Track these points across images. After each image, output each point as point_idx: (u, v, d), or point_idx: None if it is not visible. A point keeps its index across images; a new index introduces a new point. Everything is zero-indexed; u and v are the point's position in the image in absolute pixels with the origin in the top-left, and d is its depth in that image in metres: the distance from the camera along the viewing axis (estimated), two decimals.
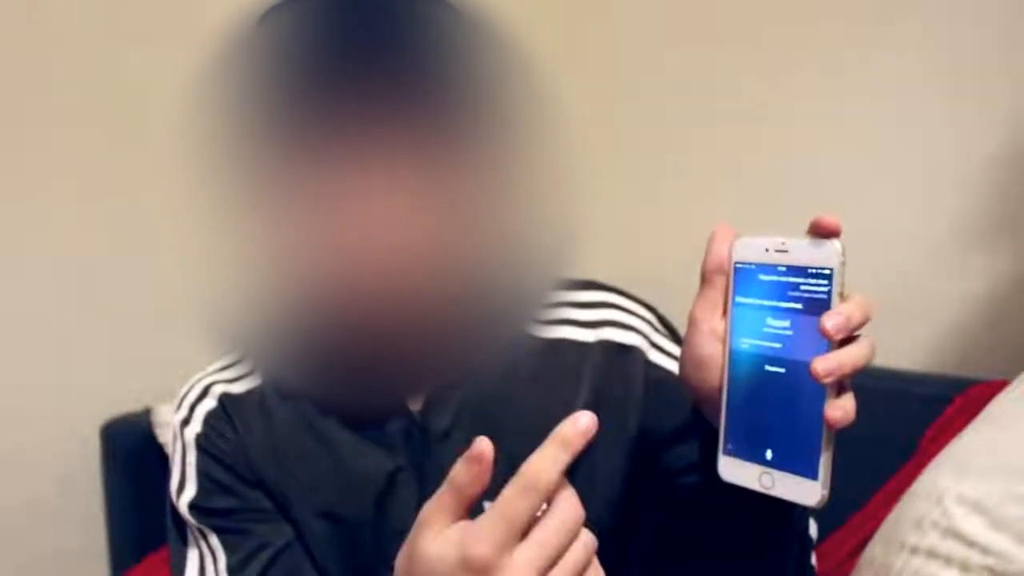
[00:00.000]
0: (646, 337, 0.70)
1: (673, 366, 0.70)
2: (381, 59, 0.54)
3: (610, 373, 0.68)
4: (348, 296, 0.55)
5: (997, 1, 1.16)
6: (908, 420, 1.05)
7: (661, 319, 0.73)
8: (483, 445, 0.46)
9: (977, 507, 0.74)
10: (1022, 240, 1.17)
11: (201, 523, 0.68)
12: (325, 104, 0.53)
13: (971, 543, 0.73)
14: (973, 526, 0.74)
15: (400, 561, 0.49)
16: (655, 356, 0.70)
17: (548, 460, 0.46)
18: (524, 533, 0.45)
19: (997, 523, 0.72)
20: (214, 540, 0.68)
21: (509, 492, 0.45)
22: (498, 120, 0.56)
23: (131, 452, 1.37)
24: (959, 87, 1.20)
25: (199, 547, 0.69)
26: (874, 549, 0.85)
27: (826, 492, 0.49)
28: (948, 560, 0.74)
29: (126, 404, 1.40)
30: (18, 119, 1.30)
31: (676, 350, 0.71)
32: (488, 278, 0.58)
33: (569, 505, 0.47)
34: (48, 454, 1.37)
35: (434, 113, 0.54)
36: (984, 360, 1.19)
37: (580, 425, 0.47)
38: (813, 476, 0.49)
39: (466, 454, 0.47)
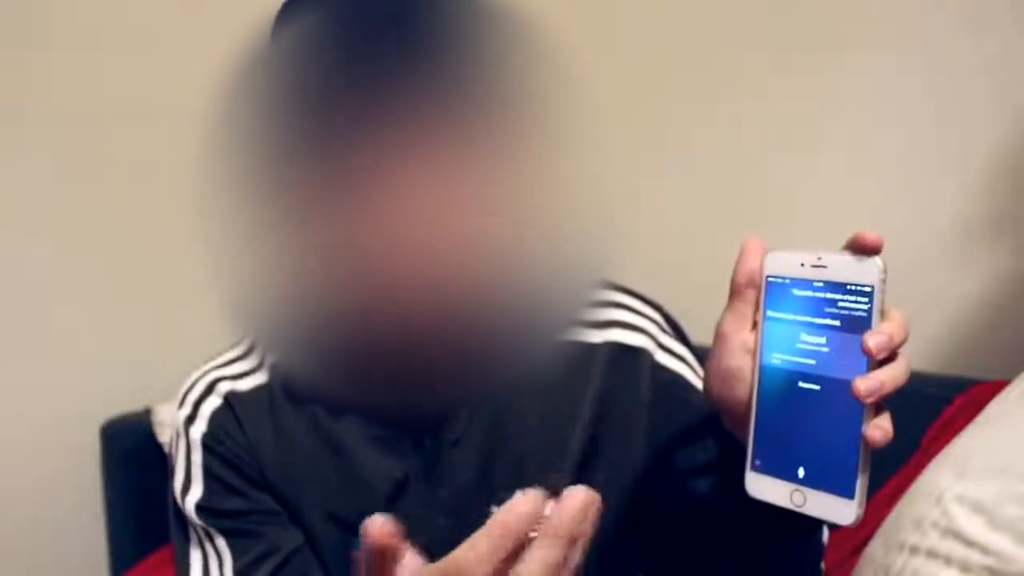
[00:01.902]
0: (653, 338, 0.69)
1: (680, 367, 0.69)
2: (414, 56, 0.53)
3: (617, 375, 0.68)
4: (384, 299, 0.54)
5: (998, 1, 1.16)
6: (908, 420, 1.05)
7: (668, 319, 0.72)
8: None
9: (977, 507, 0.74)
10: (1022, 240, 1.17)
11: (208, 524, 0.67)
12: (358, 103, 0.52)
13: (971, 543, 0.73)
14: (973, 526, 0.74)
15: None
16: (662, 357, 0.69)
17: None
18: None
19: (997, 523, 0.72)
20: (221, 542, 0.67)
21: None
22: (534, 117, 0.55)
23: (131, 452, 1.37)
24: (960, 87, 1.20)
25: (203, 548, 0.68)
26: (874, 549, 0.85)
27: (861, 511, 0.48)
28: (948, 560, 0.74)
29: (126, 404, 1.40)
30: (18, 118, 1.30)
31: (683, 351, 0.70)
32: (527, 282, 0.57)
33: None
34: (48, 454, 1.37)
35: (470, 111, 0.53)
36: (984, 360, 1.19)
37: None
38: (849, 495, 0.48)
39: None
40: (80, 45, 1.32)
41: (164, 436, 1.36)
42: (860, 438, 0.48)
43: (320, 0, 0.55)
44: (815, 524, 0.57)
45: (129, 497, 1.37)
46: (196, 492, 0.67)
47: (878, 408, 0.49)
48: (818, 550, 0.64)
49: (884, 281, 0.49)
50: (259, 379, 0.69)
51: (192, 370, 0.73)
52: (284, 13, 0.56)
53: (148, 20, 1.36)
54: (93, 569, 1.42)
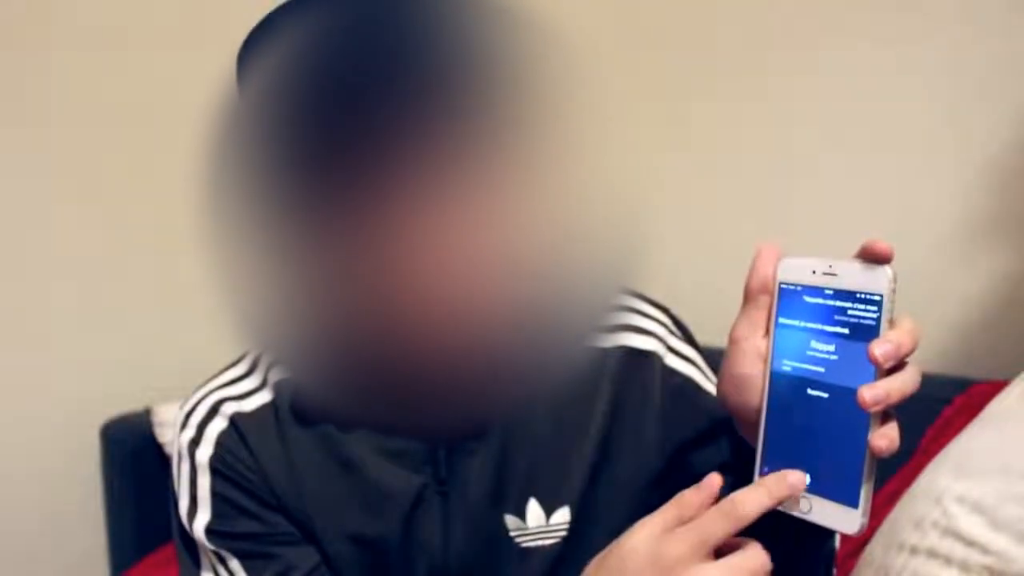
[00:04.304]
0: (663, 341, 0.68)
1: (689, 370, 0.69)
2: (420, 70, 0.50)
3: (628, 379, 0.67)
4: (403, 319, 0.52)
5: (998, 1, 1.16)
6: (908, 420, 1.05)
7: (676, 321, 0.71)
8: (714, 479, 0.52)
9: (977, 507, 0.74)
10: (1022, 240, 1.17)
11: (220, 548, 0.66)
12: (364, 122, 0.50)
13: (971, 543, 0.73)
14: (973, 526, 0.74)
15: (600, 554, 0.54)
16: (672, 360, 0.68)
17: (753, 496, 0.50)
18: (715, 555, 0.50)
19: (997, 523, 0.72)
20: (235, 564, 0.66)
21: (711, 512, 0.50)
22: (547, 125, 0.54)
23: (131, 452, 1.37)
24: (960, 87, 1.20)
25: (216, 572, 0.67)
26: (874, 549, 0.85)
27: (866, 521, 0.48)
28: (948, 560, 0.74)
29: (126, 404, 1.40)
30: (18, 118, 1.30)
31: (692, 353, 0.70)
32: (549, 294, 0.56)
33: (758, 553, 0.50)
34: (48, 454, 1.37)
35: (481, 124, 0.52)
36: (984, 360, 1.19)
37: (788, 480, 0.51)
38: (854, 504, 0.48)
39: (700, 483, 0.52)
40: (80, 45, 1.32)
41: (164, 436, 1.36)
42: (866, 447, 0.48)
43: (320, 13, 0.52)
44: (827, 529, 0.56)
45: (129, 497, 1.37)
46: (204, 516, 0.66)
47: (885, 417, 0.48)
48: (830, 555, 0.63)
49: (894, 291, 0.48)
50: (263, 398, 0.67)
51: (192, 372, 0.72)
52: (280, 25, 0.54)
53: (149, 20, 1.36)
54: (93, 569, 1.42)
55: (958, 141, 1.20)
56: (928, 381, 1.24)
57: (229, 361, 0.71)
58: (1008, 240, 1.18)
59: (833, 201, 1.30)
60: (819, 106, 1.32)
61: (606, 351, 0.67)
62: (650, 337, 0.68)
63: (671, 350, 0.69)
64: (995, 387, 0.95)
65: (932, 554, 0.76)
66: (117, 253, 1.37)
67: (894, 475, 1.03)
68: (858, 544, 0.93)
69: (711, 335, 0.79)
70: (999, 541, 0.72)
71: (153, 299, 1.38)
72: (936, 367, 1.20)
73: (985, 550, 0.72)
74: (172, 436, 0.69)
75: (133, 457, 1.37)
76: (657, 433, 0.67)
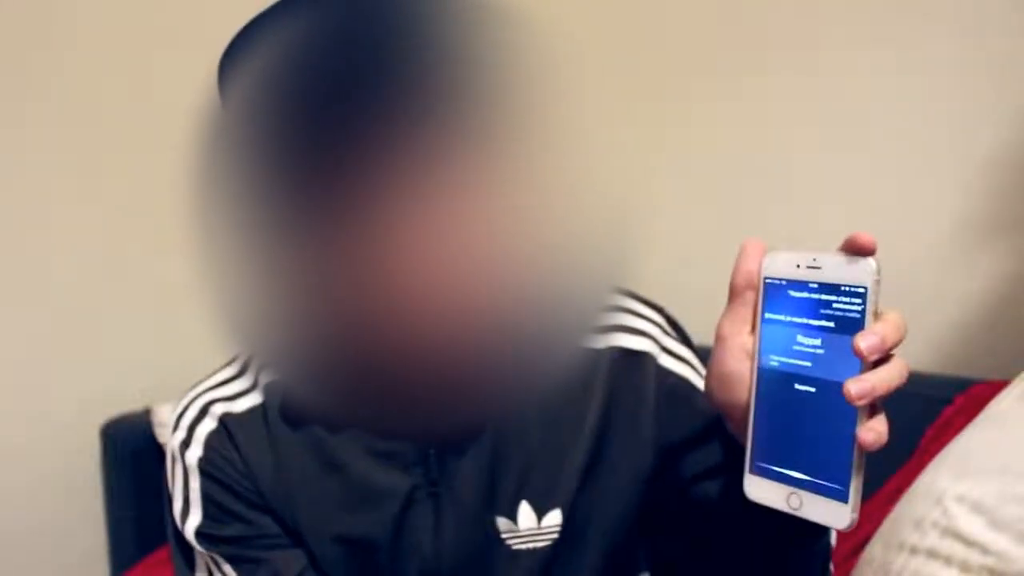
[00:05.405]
0: (656, 341, 0.68)
1: (684, 370, 0.68)
2: (405, 73, 0.50)
3: (621, 380, 0.67)
4: (393, 324, 0.52)
5: (998, 1, 1.16)
6: (908, 420, 1.05)
7: (670, 320, 0.71)
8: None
9: (977, 507, 0.74)
10: (1022, 240, 1.18)
11: (211, 551, 0.66)
12: (347, 129, 0.50)
13: (971, 543, 0.73)
14: (973, 526, 0.74)
15: None
16: (666, 360, 0.68)
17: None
18: None
19: (997, 523, 0.72)
20: (227, 568, 0.66)
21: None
22: (539, 127, 0.53)
23: (131, 452, 1.37)
24: (960, 87, 1.20)
25: (210, 574, 0.67)
26: (874, 549, 0.85)
27: (856, 516, 0.48)
28: (948, 560, 0.74)
29: (126, 404, 1.40)
30: (18, 118, 1.30)
31: (686, 353, 0.70)
32: (541, 297, 0.56)
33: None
34: (48, 454, 1.37)
35: (467, 127, 0.51)
36: (984, 360, 1.19)
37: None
38: (843, 499, 0.48)
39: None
40: (80, 45, 1.32)
41: (164, 436, 1.36)
42: (853, 441, 0.47)
43: (309, 15, 0.52)
44: (820, 526, 0.56)
45: (129, 497, 1.38)
46: (195, 518, 0.66)
47: (873, 410, 0.48)
48: (826, 552, 0.63)
49: (878, 282, 0.48)
50: (253, 400, 0.67)
51: (192, 372, 0.72)
52: (261, 32, 0.54)
53: (148, 20, 1.36)
54: (93, 569, 1.42)
55: (958, 141, 1.20)
56: (928, 381, 1.24)
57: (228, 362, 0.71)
58: (1008, 240, 1.18)
59: (833, 201, 1.30)
60: (819, 106, 1.32)
61: (599, 352, 0.67)
62: (643, 337, 0.68)
63: (665, 350, 0.68)
64: (995, 387, 0.95)
65: (932, 554, 0.76)
66: (117, 253, 1.37)
67: (894, 475, 1.03)
68: (858, 543, 0.93)
69: (709, 334, 0.79)
70: (999, 541, 0.72)
71: (153, 299, 1.38)
72: (936, 367, 1.20)
73: (985, 550, 0.72)
74: (167, 456, 0.69)
75: (133, 457, 1.37)
76: (652, 434, 0.67)
